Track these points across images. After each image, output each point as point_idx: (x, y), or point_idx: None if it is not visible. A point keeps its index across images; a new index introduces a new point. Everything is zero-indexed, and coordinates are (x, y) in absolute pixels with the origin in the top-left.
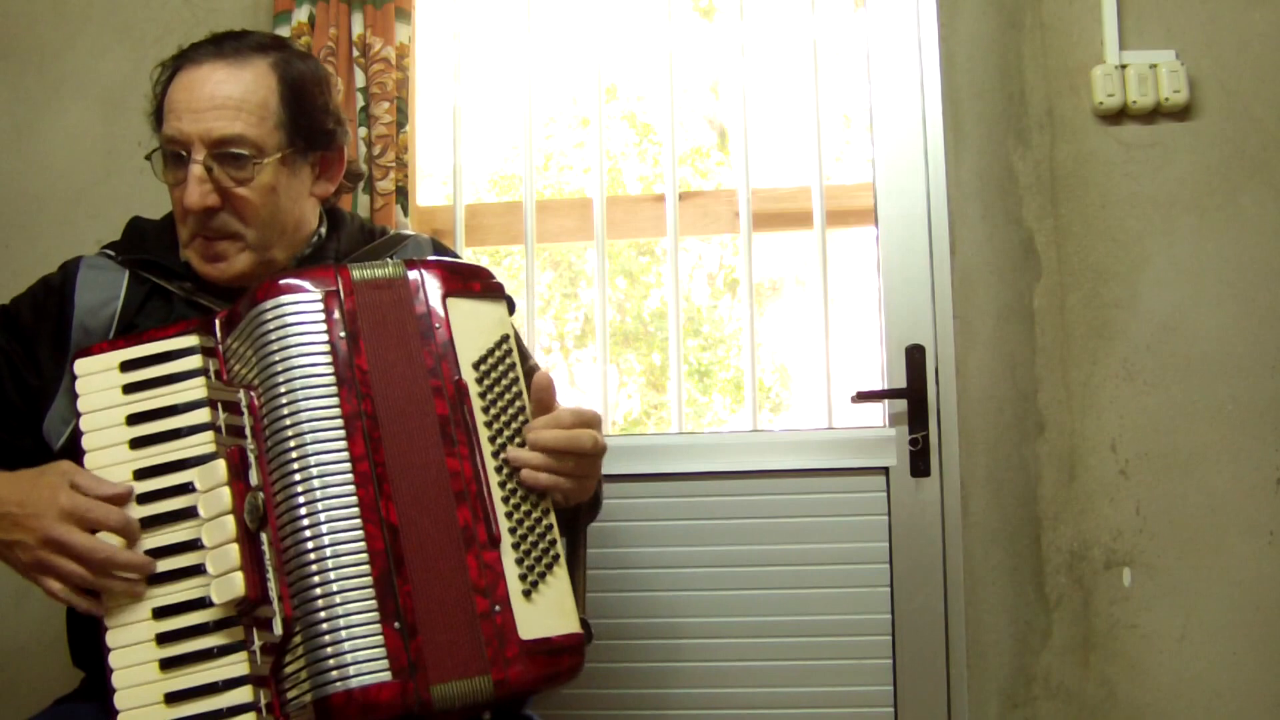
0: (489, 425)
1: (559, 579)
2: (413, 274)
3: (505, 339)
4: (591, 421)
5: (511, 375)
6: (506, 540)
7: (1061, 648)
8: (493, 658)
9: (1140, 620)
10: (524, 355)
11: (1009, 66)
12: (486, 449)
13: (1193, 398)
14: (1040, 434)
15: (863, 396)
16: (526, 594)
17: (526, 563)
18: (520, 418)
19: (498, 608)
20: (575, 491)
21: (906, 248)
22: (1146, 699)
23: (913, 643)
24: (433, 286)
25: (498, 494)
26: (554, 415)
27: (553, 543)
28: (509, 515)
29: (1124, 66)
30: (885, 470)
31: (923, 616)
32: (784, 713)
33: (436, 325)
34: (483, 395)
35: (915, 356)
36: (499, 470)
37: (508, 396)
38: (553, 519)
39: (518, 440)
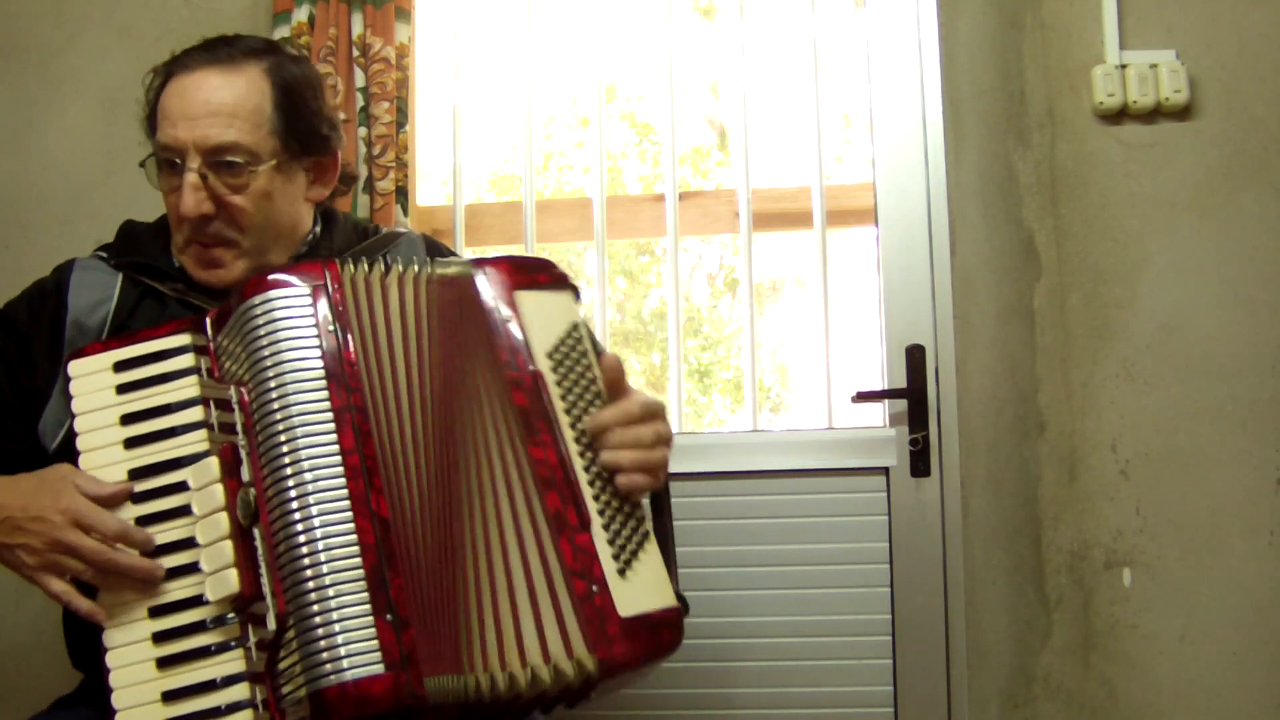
0: (569, 411)
1: (651, 555)
2: (479, 273)
3: (575, 326)
4: (658, 413)
5: (585, 361)
6: (597, 522)
7: (1061, 648)
8: (595, 638)
9: (1140, 620)
10: (593, 341)
11: (1009, 66)
12: (569, 434)
13: (1193, 398)
14: (1040, 434)
15: (863, 396)
16: (621, 572)
17: (619, 542)
18: (598, 400)
19: (595, 588)
20: (651, 484)
21: (906, 248)
22: (1146, 699)
23: (913, 643)
24: (500, 282)
25: (583, 477)
26: (623, 409)
27: (641, 519)
28: (596, 498)
29: (1124, 66)
30: (885, 470)
31: (923, 616)
32: (784, 713)
33: (508, 318)
34: (559, 383)
35: (915, 356)
36: (582, 455)
37: (584, 381)
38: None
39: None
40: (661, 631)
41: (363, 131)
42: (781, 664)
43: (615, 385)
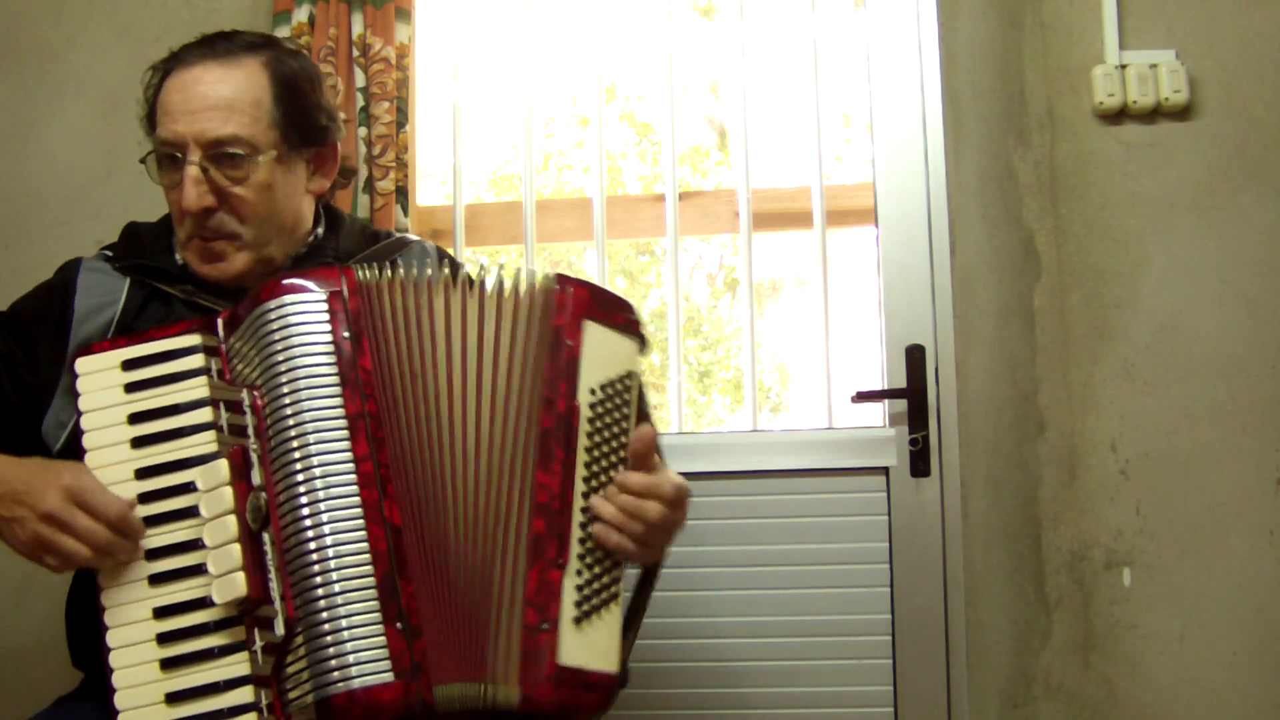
0: (589, 451)
1: (611, 617)
2: (559, 289)
3: (630, 375)
4: (678, 500)
5: (624, 411)
6: (573, 565)
7: (1061, 648)
8: (526, 670)
9: (1140, 620)
10: (643, 401)
11: (1009, 66)
12: (580, 473)
13: (1193, 398)
14: (1040, 434)
15: (863, 396)
16: (577, 621)
17: (585, 592)
18: (618, 454)
19: (545, 625)
20: (638, 555)
21: (906, 248)
22: (1146, 699)
23: (913, 643)
24: (575, 305)
25: (578, 519)
26: (653, 481)
27: (615, 581)
28: (582, 542)
29: (1124, 66)
30: (885, 470)
31: (923, 616)
32: (784, 713)
33: (568, 342)
34: (591, 422)
35: (915, 356)
36: (585, 497)
37: (615, 430)
38: (621, 560)
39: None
40: (587, 693)
41: (363, 131)
42: (782, 664)
43: (639, 457)
